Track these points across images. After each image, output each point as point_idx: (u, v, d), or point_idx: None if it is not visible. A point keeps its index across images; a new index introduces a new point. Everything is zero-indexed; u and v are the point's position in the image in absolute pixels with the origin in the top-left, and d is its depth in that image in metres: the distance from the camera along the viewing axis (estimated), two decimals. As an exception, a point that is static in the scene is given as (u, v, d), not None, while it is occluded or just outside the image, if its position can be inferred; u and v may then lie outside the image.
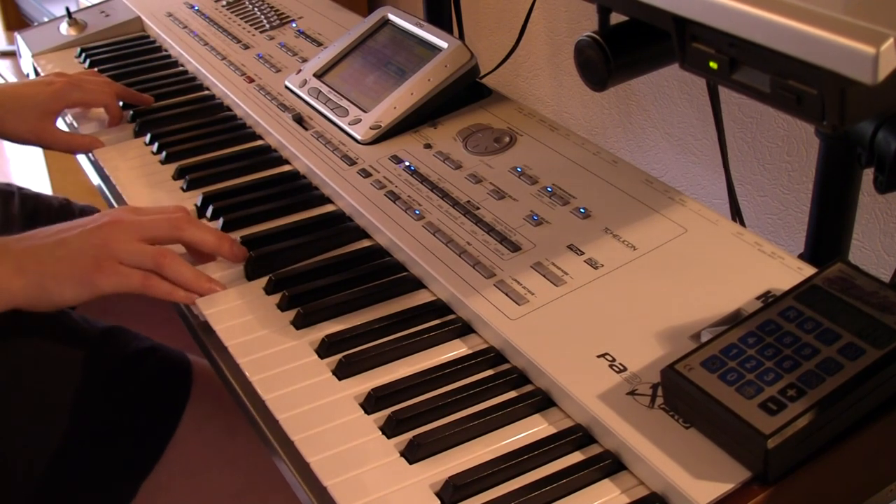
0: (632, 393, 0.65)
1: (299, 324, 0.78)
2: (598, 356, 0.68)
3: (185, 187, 0.99)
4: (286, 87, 1.11)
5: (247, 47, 1.23)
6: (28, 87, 1.11)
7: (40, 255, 0.79)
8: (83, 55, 1.32)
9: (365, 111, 1.00)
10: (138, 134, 1.11)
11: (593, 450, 0.65)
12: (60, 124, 1.13)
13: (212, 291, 0.82)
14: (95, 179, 1.07)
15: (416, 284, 0.82)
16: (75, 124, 1.16)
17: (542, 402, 0.68)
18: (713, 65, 0.60)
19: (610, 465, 0.63)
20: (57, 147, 1.11)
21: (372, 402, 0.70)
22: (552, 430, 0.66)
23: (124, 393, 0.86)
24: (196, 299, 0.81)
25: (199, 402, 0.88)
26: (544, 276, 0.76)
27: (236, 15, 1.33)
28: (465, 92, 1.01)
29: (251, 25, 1.29)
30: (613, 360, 0.68)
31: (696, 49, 0.61)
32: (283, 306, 0.80)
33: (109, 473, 0.84)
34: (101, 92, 1.12)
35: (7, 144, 2.37)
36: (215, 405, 0.89)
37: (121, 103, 1.15)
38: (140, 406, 0.87)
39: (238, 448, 0.90)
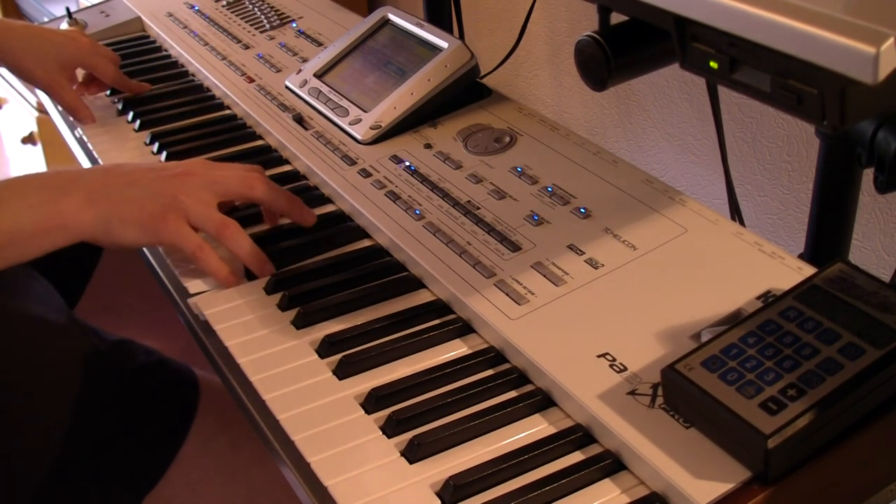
0: (632, 393, 0.65)
1: (299, 324, 0.78)
2: (598, 356, 0.68)
3: (185, 187, 0.99)
4: (286, 87, 1.11)
5: (247, 47, 1.23)
6: (55, 34, 1.15)
7: (111, 193, 0.80)
8: (83, 55, 1.32)
9: (365, 111, 1.00)
10: (138, 132, 1.11)
11: (593, 450, 0.65)
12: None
13: (266, 273, 0.83)
14: (95, 179, 1.07)
15: (417, 284, 0.82)
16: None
17: (542, 401, 0.69)
18: (713, 65, 0.60)
19: (610, 464, 0.63)
20: (64, 102, 1.14)
21: (372, 402, 0.70)
22: (552, 430, 0.66)
23: (131, 407, 0.86)
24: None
25: (206, 418, 0.88)
26: (544, 275, 0.76)
27: (236, 15, 1.33)
28: (465, 92, 1.01)
29: (251, 25, 1.29)
30: (613, 360, 0.68)
31: (696, 49, 0.61)
32: (283, 306, 0.80)
33: (113, 487, 0.84)
34: (114, 70, 1.17)
35: (7, 144, 2.38)
36: (221, 421, 0.89)
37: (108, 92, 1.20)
38: (146, 421, 0.86)
39: (241, 462, 0.90)
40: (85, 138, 1.12)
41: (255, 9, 1.33)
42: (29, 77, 1.12)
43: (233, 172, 0.86)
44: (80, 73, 1.20)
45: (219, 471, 0.88)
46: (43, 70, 1.11)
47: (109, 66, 1.16)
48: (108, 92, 1.21)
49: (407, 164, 0.93)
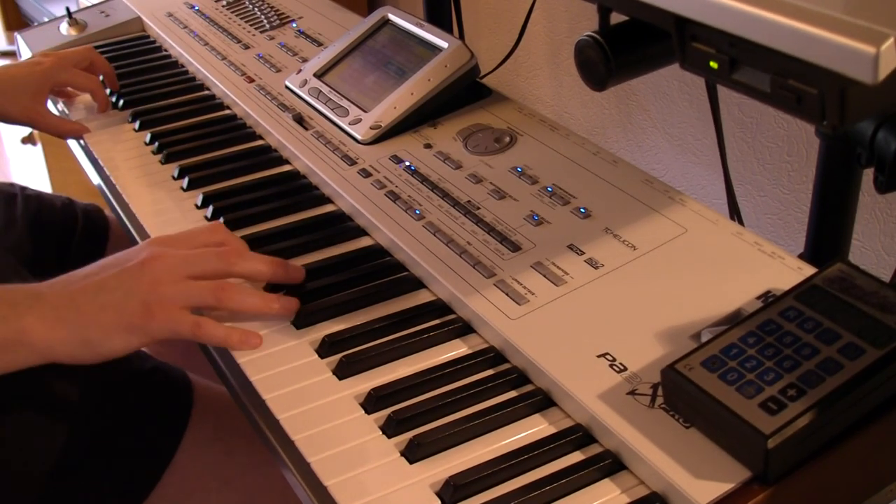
0: (632, 393, 0.65)
1: (299, 323, 0.78)
2: (598, 356, 0.68)
3: (185, 187, 0.99)
4: (286, 87, 1.11)
5: (247, 47, 1.23)
6: (18, 68, 1.14)
7: (80, 303, 0.71)
8: (83, 55, 1.32)
9: (365, 111, 1.00)
10: (138, 132, 1.11)
11: (593, 449, 0.65)
12: (52, 110, 1.16)
13: (285, 312, 0.77)
14: (96, 179, 1.07)
15: (417, 284, 0.82)
16: (66, 111, 1.18)
17: (542, 401, 0.68)
18: (713, 65, 0.60)
19: (610, 464, 0.63)
20: (47, 129, 1.13)
21: (372, 402, 0.70)
22: (552, 430, 0.66)
23: (124, 415, 0.85)
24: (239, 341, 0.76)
25: (200, 425, 0.87)
26: (544, 275, 0.76)
27: (236, 15, 1.33)
28: (465, 92, 1.01)
29: (251, 25, 1.29)
30: (613, 359, 0.68)
31: (696, 49, 0.61)
32: (283, 306, 0.80)
33: (107, 495, 0.83)
34: (88, 78, 1.15)
35: (7, 144, 2.38)
36: (215, 428, 0.88)
37: (108, 90, 1.19)
38: (139, 428, 0.86)
39: (235, 468, 0.89)
40: (85, 139, 1.12)
41: (255, 9, 1.33)
42: (7, 118, 1.11)
43: (206, 250, 0.77)
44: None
45: (214, 478, 0.88)
46: (17, 107, 1.10)
47: (79, 76, 1.14)
48: (108, 91, 1.21)
49: (407, 164, 0.93)
